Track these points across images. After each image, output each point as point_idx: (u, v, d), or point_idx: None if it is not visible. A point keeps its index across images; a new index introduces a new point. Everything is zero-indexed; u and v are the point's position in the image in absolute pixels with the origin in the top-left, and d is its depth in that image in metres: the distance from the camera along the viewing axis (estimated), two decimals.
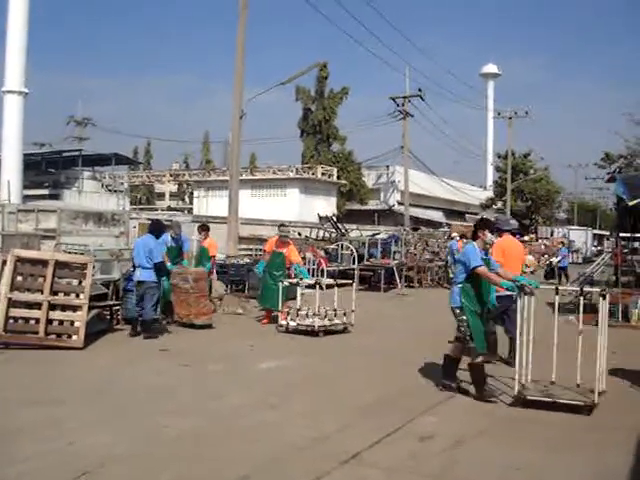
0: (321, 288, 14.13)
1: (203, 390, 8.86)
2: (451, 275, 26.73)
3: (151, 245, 12.77)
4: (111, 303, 13.50)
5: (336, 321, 14.00)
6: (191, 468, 6.06)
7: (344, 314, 14.24)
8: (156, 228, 13.34)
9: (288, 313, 14.10)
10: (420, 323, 16.12)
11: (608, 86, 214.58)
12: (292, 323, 13.86)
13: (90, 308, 11.99)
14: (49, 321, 11.34)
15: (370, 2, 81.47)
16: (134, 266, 13.11)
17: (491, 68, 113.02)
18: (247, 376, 9.85)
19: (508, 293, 10.56)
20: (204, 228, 16.19)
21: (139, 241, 13.59)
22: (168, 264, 14.35)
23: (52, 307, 11.42)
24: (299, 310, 13.89)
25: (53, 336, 11.35)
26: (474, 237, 8.96)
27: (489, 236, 8.88)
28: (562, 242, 37.71)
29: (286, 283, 14.53)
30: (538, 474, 6.21)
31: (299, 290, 14.11)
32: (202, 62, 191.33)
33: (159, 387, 8.99)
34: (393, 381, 9.70)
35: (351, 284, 15.47)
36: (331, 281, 15.37)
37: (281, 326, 14.06)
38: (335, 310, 14.21)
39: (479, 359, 8.72)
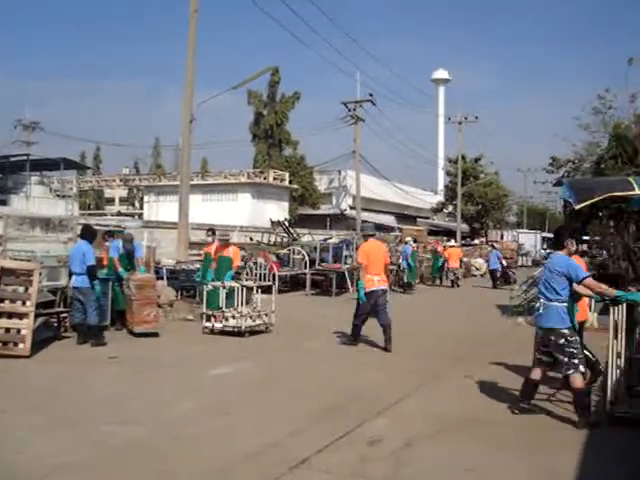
0: (250, 289, 14.98)
1: (152, 398, 8.76)
2: (406, 279, 27.02)
3: (84, 249, 12.59)
4: (58, 310, 13.31)
5: (258, 322, 14.34)
6: (139, 477, 6.00)
7: (265, 315, 14.57)
8: (88, 233, 13.15)
9: (213, 315, 14.25)
10: (369, 326, 16.15)
11: (556, 91, 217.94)
12: (217, 325, 14.06)
13: (37, 315, 11.80)
14: None
15: (321, 7, 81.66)
16: (70, 273, 12.96)
17: (442, 74, 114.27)
18: (198, 382, 9.78)
19: (377, 288, 12.51)
20: (213, 232, 17.01)
21: (73, 249, 13.42)
22: (120, 269, 14.24)
23: None
24: (224, 312, 14.13)
25: None
26: (559, 247, 8.35)
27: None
28: (493, 245, 38.19)
29: (210, 286, 15.02)
30: (488, 475, 6.27)
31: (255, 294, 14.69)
32: (152, 66, 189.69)
33: (107, 395, 8.87)
34: (343, 385, 9.72)
35: (271, 287, 16.14)
36: (251, 283, 15.90)
37: (206, 328, 14.21)
38: (259, 312, 14.53)
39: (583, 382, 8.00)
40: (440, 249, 32.05)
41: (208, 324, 14.22)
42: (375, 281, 12.73)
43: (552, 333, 7.94)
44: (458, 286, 30.41)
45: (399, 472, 6.23)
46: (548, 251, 60.10)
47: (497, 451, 6.86)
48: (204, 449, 6.77)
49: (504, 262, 32.83)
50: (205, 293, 15.05)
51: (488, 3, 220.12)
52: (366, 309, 12.84)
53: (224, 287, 14.69)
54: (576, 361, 7.82)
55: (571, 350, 7.84)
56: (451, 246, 33.32)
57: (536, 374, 8.27)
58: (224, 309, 14.26)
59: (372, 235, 13.69)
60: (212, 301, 14.89)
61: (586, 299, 9.11)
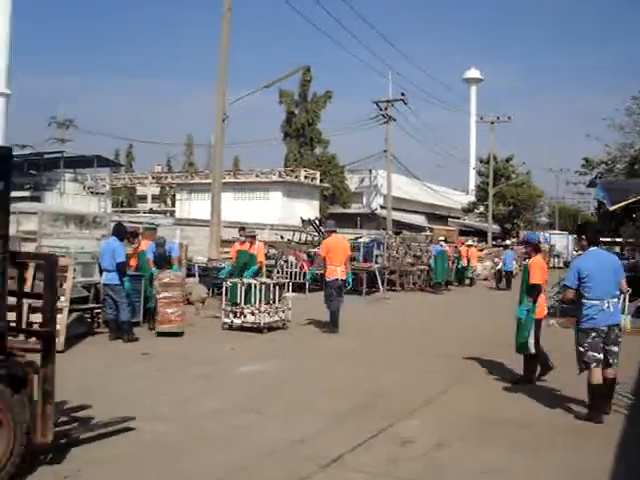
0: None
1: (181, 394, 8.80)
2: (435, 280, 26.89)
3: (114, 246, 12.69)
4: (92, 306, 13.43)
5: (275, 318, 14.48)
6: (164, 474, 6.03)
7: (283, 311, 14.72)
8: (119, 231, 13.25)
9: (232, 312, 14.38)
10: (400, 326, 16.15)
11: (590, 92, 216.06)
12: (237, 320, 14.17)
13: (71, 311, 11.93)
14: (29, 324, 11.24)
15: (353, 6, 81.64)
16: (101, 270, 13.07)
17: (474, 73, 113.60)
18: (226, 379, 9.81)
19: (338, 277, 14.46)
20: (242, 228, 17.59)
21: (103, 245, 13.54)
22: (153, 268, 14.35)
23: (33, 310, 11.32)
24: (243, 308, 14.24)
25: (33, 339, 11.25)
26: (598, 243, 8.69)
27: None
28: (506, 245, 37.76)
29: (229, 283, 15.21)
30: (520, 477, 6.24)
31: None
32: (185, 64, 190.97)
33: (137, 391, 8.92)
34: (373, 384, 9.70)
35: (302, 285, 17.07)
36: (269, 280, 15.95)
37: (225, 323, 14.33)
38: (277, 308, 14.67)
39: None
40: (461, 249, 31.46)
41: (227, 320, 14.35)
42: (338, 271, 14.48)
43: (617, 327, 8.27)
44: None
45: (431, 473, 6.22)
46: (580, 252, 59.68)
47: (529, 453, 6.82)
48: (233, 446, 6.79)
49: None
50: (224, 289, 15.19)
51: (520, 2, 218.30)
52: (333, 295, 14.40)
53: (242, 284, 14.80)
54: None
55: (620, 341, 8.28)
56: (469, 245, 32.90)
57: (601, 373, 8.14)
58: (242, 305, 14.36)
59: (334, 231, 15.53)
60: (232, 297, 15.06)
61: (545, 297, 9.82)
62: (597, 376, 8.06)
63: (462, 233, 53.80)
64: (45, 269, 6.26)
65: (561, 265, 50.67)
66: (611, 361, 8.12)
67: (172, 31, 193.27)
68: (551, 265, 51.15)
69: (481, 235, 56.70)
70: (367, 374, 10.35)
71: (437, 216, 67.56)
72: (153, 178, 64.83)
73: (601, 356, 8.06)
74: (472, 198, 71.19)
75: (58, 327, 11.24)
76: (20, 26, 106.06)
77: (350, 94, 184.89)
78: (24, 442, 5.44)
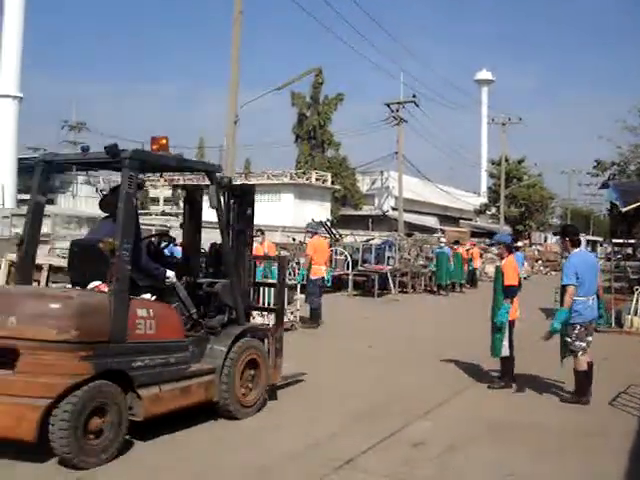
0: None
1: None
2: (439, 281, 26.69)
3: None
4: None
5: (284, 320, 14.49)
6: (181, 476, 6.05)
7: (292, 313, 14.80)
8: None
9: None
10: (411, 328, 16.14)
11: (601, 93, 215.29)
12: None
13: None
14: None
15: (365, 9, 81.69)
16: None
17: (485, 74, 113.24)
18: None
19: (323, 275, 15.82)
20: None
21: None
22: None
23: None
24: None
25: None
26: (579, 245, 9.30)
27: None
28: (517, 247, 37.48)
29: None
30: None
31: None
32: (197, 67, 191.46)
33: None
34: (385, 386, 9.72)
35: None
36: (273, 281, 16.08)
37: None
38: (286, 310, 14.55)
39: None
40: (461, 251, 29.59)
41: None
42: (322, 270, 15.93)
43: (595, 321, 9.31)
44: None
45: (443, 475, 6.23)
46: (592, 254, 59.48)
47: (540, 456, 6.81)
48: (247, 448, 6.81)
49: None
50: None
51: (531, 3, 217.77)
52: (316, 293, 15.49)
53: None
54: None
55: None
56: (472, 245, 32.61)
57: (586, 361, 8.94)
58: None
59: (316, 233, 17.17)
60: None
61: (517, 299, 9.86)
62: (583, 363, 8.85)
63: (474, 235, 53.65)
64: (280, 265, 9.50)
65: None
66: (588, 349, 8.95)
67: (184, 34, 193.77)
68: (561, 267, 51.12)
69: (492, 236, 56.56)
70: (380, 376, 10.35)
71: (449, 218, 67.46)
72: (165, 180, 64.90)
73: (585, 345, 8.86)
74: (484, 200, 71.02)
75: None
76: (33, 30, 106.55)
77: (362, 96, 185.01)
78: (267, 379, 8.27)
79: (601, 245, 67.38)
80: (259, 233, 17.34)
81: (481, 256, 32.41)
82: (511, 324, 9.71)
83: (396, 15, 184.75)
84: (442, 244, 28.25)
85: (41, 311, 6.04)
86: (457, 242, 30.84)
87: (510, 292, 9.61)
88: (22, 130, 38.45)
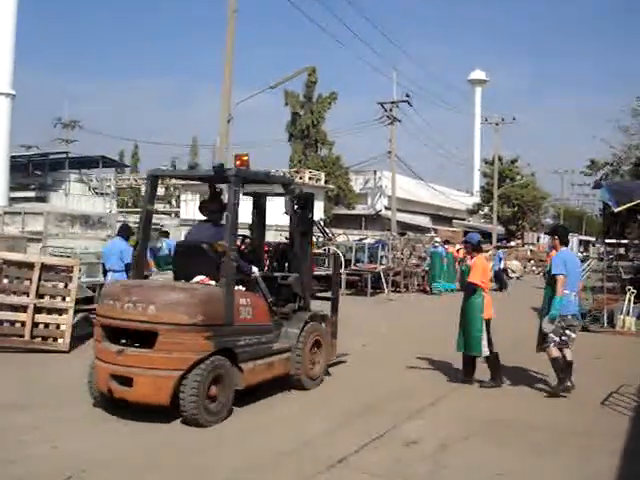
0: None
1: None
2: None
3: (122, 247, 12.65)
4: (97, 306, 13.40)
5: None
6: (174, 473, 6.06)
7: None
8: (125, 231, 13.25)
9: None
10: (404, 327, 16.16)
11: (594, 93, 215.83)
12: None
13: (76, 311, 11.95)
14: (35, 324, 11.30)
15: (359, 8, 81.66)
16: (105, 271, 13.05)
17: (478, 74, 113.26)
18: None
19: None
20: None
21: (108, 245, 13.53)
22: (153, 268, 14.34)
23: (38, 310, 11.37)
24: None
25: (39, 339, 11.30)
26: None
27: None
28: (498, 247, 37.71)
29: None
30: (526, 479, 6.24)
31: None
32: (190, 65, 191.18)
33: None
34: (378, 384, 9.73)
35: None
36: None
37: None
38: None
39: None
40: (452, 250, 29.14)
41: None
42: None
43: (576, 316, 9.63)
44: None
45: (436, 474, 6.23)
46: (585, 254, 59.60)
47: (532, 455, 6.83)
48: (241, 446, 6.82)
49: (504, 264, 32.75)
50: None
51: (525, 3, 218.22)
52: None
53: None
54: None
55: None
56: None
57: (557, 350, 9.39)
58: None
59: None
60: None
61: (491, 298, 10.04)
62: (555, 352, 9.31)
63: (467, 234, 53.76)
64: (334, 260, 11.67)
65: None
66: (570, 345, 9.41)
67: (177, 32, 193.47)
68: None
69: (486, 236, 56.63)
70: (373, 375, 10.36)
71: (442, 217, 67.51)
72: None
73: (558, 339, 9.28)
74: (477, 199, 71.11)
75: (64, 327, 11.32)
76: (25, 26, 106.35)
77: (355, 95, 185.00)
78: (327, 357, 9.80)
79: (594, 245, 67.48)
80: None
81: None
82: (487, 323, 9.77)
83: (389, 14, 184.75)
84: (436, 244, 28.30)
85: (174, 300, 7.51)
86: (447, 242, 30.89)
87: (468, 287, 9.86)
88: (15, 128, 38.30)
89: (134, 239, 9.65)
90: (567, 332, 9.33)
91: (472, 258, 10.03)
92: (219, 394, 7.59)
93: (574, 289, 9.51)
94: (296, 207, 9.62)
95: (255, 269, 9.02)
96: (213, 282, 8.17)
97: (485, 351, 9.66)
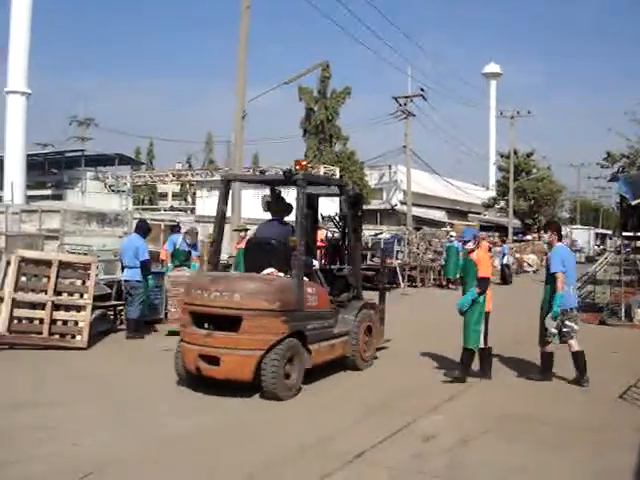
0: None
1: (206, 390, 8.84)
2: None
3: (138, 244, 12.71)
4: (115, 303, 13.50)
5: None
6: (194, 468, 6.08)
7: None
8: (143, 227, 13.30)
9: None
10: (420, 321, 16.12)
11: (609, 85, 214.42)
12: None
13: (94, 308, 12.02)
14: (53, 321, 11.38)
15: (372, 2, 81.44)
16: (122, 266, 13.12)
17: (493, 67, 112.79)
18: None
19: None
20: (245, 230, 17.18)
21: (125, 241, 13.60)
22: (169, 265, 14.39)
23: (56, 307, 11.46)
24: None
25: (57, 336, 11.38)
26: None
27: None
28: (504, 240, 37.53)
29: None
30: (543, 474, 6.23)
31: None
32: (204, 62, 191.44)
33: (161, 388, 9.00)
34: (395, 380, 9.73)
35: None
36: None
37: None
38: None
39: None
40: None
41: None
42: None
43: (576, 309, 9.77)
44: None
45: (455, 469, 6.23)
46: (601, 247, 59.29)
47: (548, 450, 6.81)
48: (258, 442, 6.84)
49: (510, 258, 32.66)
50: None
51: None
52: None
53: None
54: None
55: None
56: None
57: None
58: None
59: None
60: None
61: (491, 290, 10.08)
62: (551, 347, 9.69)
63: (482, 228, 53.49)
64: (381, 255, 13.46)
65: (583, 260, 50.31)
66: (574, 335, 9.59)
67: (192, 29, 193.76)
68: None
69: (502, 230, 56.37)
70: (390, 370, 10.37)
71: (457, 212, 67.27)
72: (174, 176, 64.93)
73: (556, 331, 9.47)
74: (492, 193, 70.78)
75: (82, 324, 11.39)
76: (40, 25, 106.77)
77: (369, 90, 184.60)
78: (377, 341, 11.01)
79: (610, 238, 67.14)
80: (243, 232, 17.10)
81: (489, 250, 32.32)
82: (487, 315, 9.78)
83: (403, 8, 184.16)
84: (452, 238, 28.16)
85: (256, 290, 8.61)
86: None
87: (484, 284, 9.67)
88: (30, 126, 38.52)
89: (212, 237, 10.87)
90: (568, 323, 9.52)
91: (473, 252, 9.93)
92: (293, 372, 8.66)
93: (572, 283, 9.82)
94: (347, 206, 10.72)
95: (315, 262, 10.27)
96: (281, 274, 9.22)
97: (482, 343, 9.72)
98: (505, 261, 30.86)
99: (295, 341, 8.75)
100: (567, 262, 9.61)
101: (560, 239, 10.03)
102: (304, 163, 9.76)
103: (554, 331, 9.44)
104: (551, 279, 9.60)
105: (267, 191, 10.40)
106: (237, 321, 8.43)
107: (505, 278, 29.47)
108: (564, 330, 9.48)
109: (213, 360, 8.48)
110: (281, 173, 9.63)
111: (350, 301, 10.51)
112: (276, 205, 10.20)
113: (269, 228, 10.12)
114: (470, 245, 9.86)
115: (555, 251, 9.70)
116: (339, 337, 9.84)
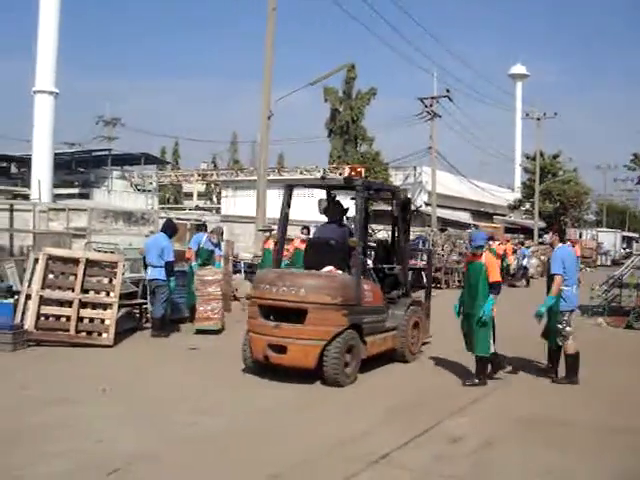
0: None
1: (231, 390, 8.90)
2: None
3: (163, 244, 12.76)
4: (140, 301, 13.58)
5: None
6: (220, 467, 6.11)
7: None
8: (170, 227, 13.35)
9: None
10: (443, 323, 16.03)
11: (637, 86, 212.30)
12: None
13: (120, 306, 12.10)
14: (80, 319, 11.47)
15: (398, 3, 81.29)
16: (145, 265, 13.18)
17: (519, 69, 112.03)
18: (276, 376, 9.87)
19: None
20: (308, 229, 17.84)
21: (150, 240, 13.64)
22: (193, 263, 14.41)
23: (83, 305, 11.55)
24: None
25: (83, 334, 11.47)
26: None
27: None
28: (522, 242, 37.24)
29: None
30: (569, 478, 6.18)
31: None
32: (230, 63, 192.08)
33: (187, 385, 9.05)
34: (420, 381, 9.72)
35: None
36: None
37: None
38: None
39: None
40: (495, 246, 29.31)
41: None
42: None
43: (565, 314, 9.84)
44: None
45: (479, 471, 6.20)
46: (628, 250, 58.70)
47: (576, 454, 6.76)
48: (283, 442, 6.84)
49: (531, 260, 32.40)
50: None
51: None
52: None
53: None
54: None
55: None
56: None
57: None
58: None
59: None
60: None
61: None
62: (575, 346, 9.71)
63: (508, 230, 53.25)
64: (428, 255, 14.27)
65: (608, 263, 49.90)
66: (570, 337, 9.77)
67: (218, 30, 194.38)
68: (599, 263, 50.49)
69: (527, 232, 56.05)
70: (415, 371, 10.35)
71: (482, 213, 66.88)
72: (199, 175, 65.17)
73: (572, 330, 9.76)
74: (518, 195, 70.37)
75: (108, 322, 11.47)
76: (68, 26, 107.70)
77: (395, 91, 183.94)
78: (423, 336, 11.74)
79: (637, 241, 66.58)
80: (305, 230, 17.21)
81: (514, 252, 32.15)
82: (493, 320, 9.69)
83: (429, 9, 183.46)
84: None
85: (320, 285, 9.43)
86: (491, 238, 30.53)
87: (498, 287, 9.60)
88: (58, 126, 38.78)
89: (275, 237, 12.15)
90: (568, 329, 9.73)
91: (481, 256, 9.80)
92: (351, 361, 9.43)
93: (574, 283, 9.90)
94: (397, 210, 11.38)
95: (369, 261, 11.15)
96: (340, 271, 9.90)
97: (492, 349, 9.64)
98: (524, 263, 30.76)
99: (353, 333, 9.48)
100: (568, 263, 9.77)
101: (562, 240, 10.22)
102: (359, 169, 10.86)
103: (571, 329, 9.71)
104: (551, 280, 9.76)
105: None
106: (302, 313, 9.20)
107: (528, 280, 29.58)
108: (563, 333, 9.67)
109: (280, 349, 9.25)
110: (341, 179, 10.61)
111: (399, 298, 11.20)
112: (333, 208, 10.96)
113: (328, 229, 10.83)
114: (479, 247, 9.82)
115: (556, 252, 9.87)
116: (390, 331, 10.57)
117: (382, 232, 32.68)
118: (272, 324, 9.39)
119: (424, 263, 25.61)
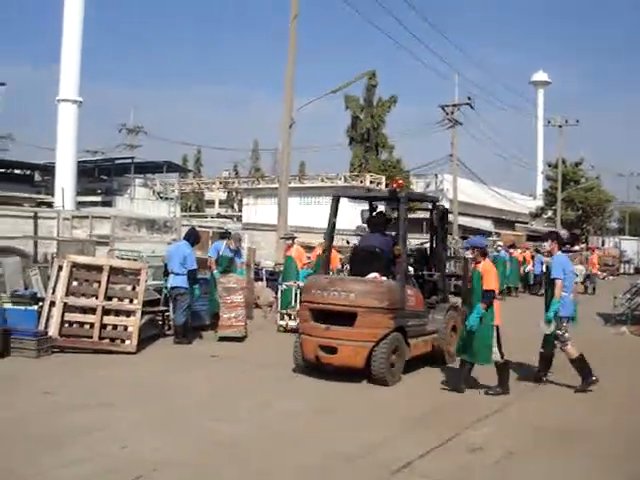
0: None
1: (252, 396, 8.92)
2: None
3: (186, 252, 12.82)
4: (163, 309, 13.65)
5: None
6: (241, 474, 6.12)
7: None
8: (193, 235, 13.41)
9: (289, 314, 14.77)
10: None
11: None
12: (292, 323, 14.36)
13: (143, 313, 12.17)
14: (103, 326, 11.55)
15: (419, 11, 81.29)
16: (166, 272, 13.24)
17: (541, 76, 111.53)
18: (297, 382, 9.90)
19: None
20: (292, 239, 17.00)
21: (172, 248, 13.70)
22: (215, 271, 14.45)
23: (106, 312, 11.63)
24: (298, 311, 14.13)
25: (107, 340, 11.55)
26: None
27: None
28: (537, 250, 36.85)
29: (284, 285, 15.36)
30: None
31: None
32: (252, 71, 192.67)
33: (209, 393, 9.08)
34: (441, 391, 9.67)
35: None
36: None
37: (280, 326, 14.68)
38: None
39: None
40: (517, 254, 29.99)
41: (282, 322, 14.70)
42: None
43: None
44: None
45: None
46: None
47: (600, 463, 6.70)
48: (304, 448, 6.86)
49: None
50: (279, 292, 15.29)
51: (588, 2, 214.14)
52: None
53: (297, 287, 14.62)
54: None
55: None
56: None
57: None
58: (297, 308, 14.07)
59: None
60: (285, 300, 15.11)
61: (498, 303, 9.95)
62: (576, 349, 9.89)
63: (529, 238, 52.91)
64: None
65: (631, 271, 49.44)
66: (568, 342, 9.94)
67: (240, 39, 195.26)
68: (621, 271, 50.05)
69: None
70: (437, 380, 10.31)
71: (504, 221, 66.65)
72: (220, 183, 65.50)
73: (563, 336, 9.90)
74: (540, 203, 70.01)
75: (131, 329, 11.54)
76: (91, 35, 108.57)
77: (416, 98, 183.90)
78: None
79: None
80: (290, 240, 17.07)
81: (532, 257, 31.88)
82: (497, 329, 9.56)
83: (450, 17, 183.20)
84: (499, 248, 27.81)
85: (368, 290, 10.03)
86: (513, 246, 30.39)
87: (489, 297, 9.43)
88: (81, 134, 39.12)
89: (324, 245, 12.65)
90: (566, 335, 9.92)
91: (479, 264, 9.72)
92: (397, 362, 9.99)
93: (570, 291, 10.13)
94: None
95: (410, 268, 11.48)
96: (384, 278, 10.40)
97: (496, 357, 9.49)
98: (539, 270, 30.47)
99: (399, 335, 10.07)
100: (566, 270, 9.96)
101: (560, 248, 10.41)
102: (400, 182, 11.15)
103: (569, 335, 9.91)
104: (551, 285, 9.93)
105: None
106: (352, 317, 9.80)
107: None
108: (562, 339, 9.91)
109: (331, 350, 9.85)
110: (387, 191, 11.49)
111: (438, 303, 11.71)
112: (376, 219, 11.74)
113: (372, 239, 11.44)
114: (469, 254, 10.09)
115: (556, 259, 10.06)
116: (431, 334, 11.07)
117: (413, 240, 32.73)
118: (323, 326, 9.96)
119: (453, 270, 25.60)
